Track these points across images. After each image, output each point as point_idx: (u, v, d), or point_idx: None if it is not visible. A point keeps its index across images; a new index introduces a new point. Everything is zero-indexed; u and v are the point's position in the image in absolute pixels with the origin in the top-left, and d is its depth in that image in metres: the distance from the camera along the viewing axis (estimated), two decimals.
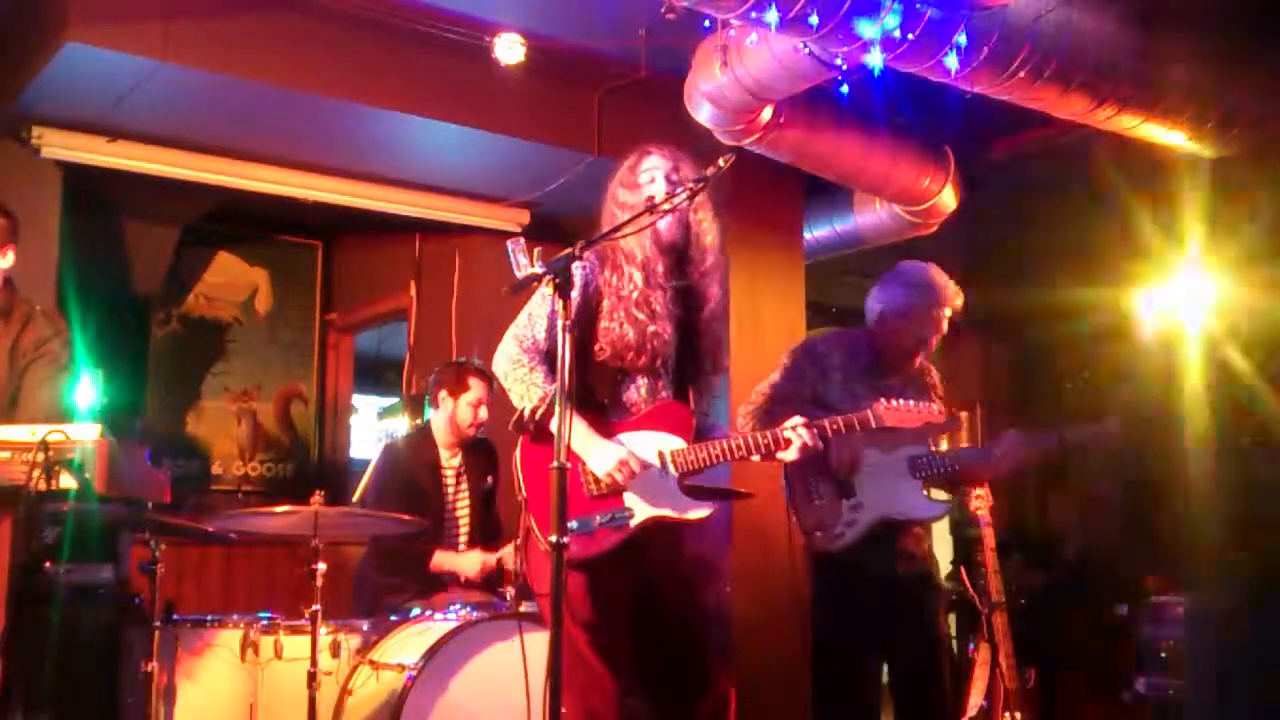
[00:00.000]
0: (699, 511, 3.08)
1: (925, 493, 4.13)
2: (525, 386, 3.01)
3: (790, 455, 3.15)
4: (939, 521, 4.61)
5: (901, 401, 3.31)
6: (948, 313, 4.20)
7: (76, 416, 3.71)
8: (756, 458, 3.17)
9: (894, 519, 4.04)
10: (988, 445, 4.31)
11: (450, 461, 4.81)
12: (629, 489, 3.02)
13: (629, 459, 3.00)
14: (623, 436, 3.07)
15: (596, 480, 3.02)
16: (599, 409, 3.08)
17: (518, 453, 3.07)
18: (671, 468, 3.07)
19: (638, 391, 3.13)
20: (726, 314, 3.35)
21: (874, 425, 3.28)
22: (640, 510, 3.01)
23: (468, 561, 4.63)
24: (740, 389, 5.55)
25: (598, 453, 3.01)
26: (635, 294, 3.10)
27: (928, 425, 3.43)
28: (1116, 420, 4.26)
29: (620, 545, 2.99)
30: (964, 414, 5.53)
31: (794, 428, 3.13)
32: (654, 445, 3.08)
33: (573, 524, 2.91)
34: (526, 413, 3.01)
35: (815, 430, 3.14)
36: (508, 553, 4.59)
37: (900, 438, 4.00)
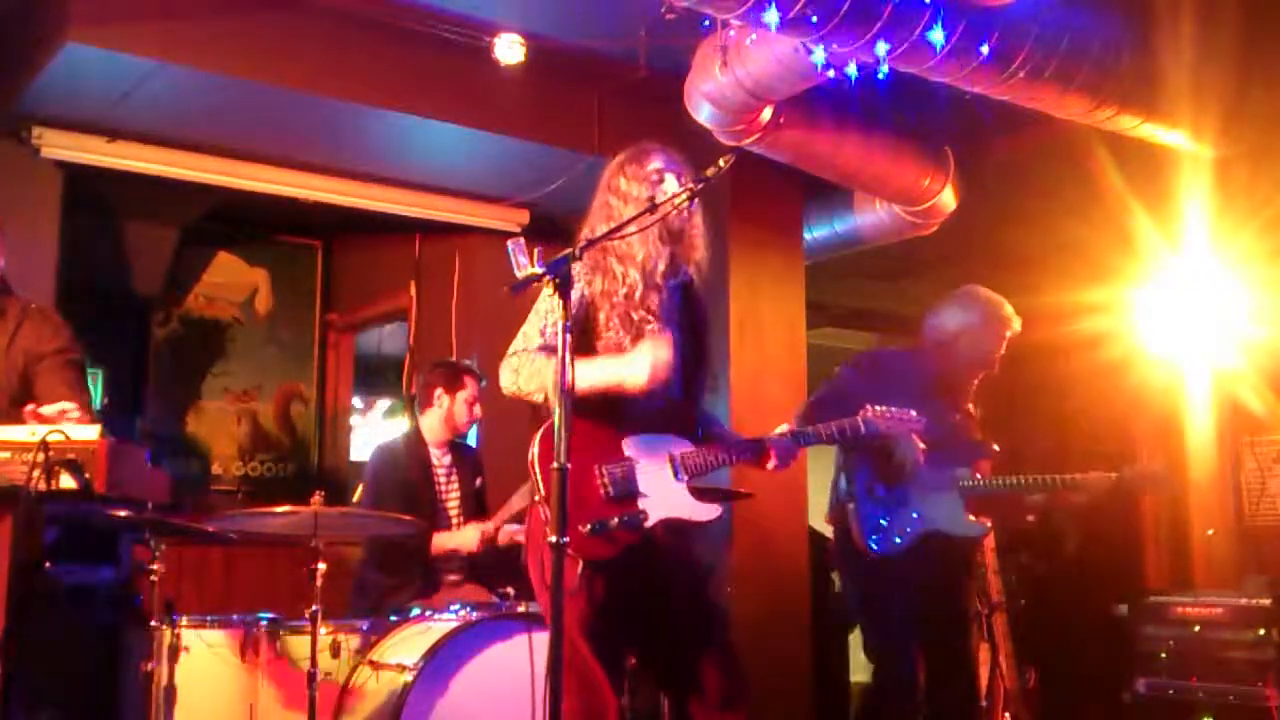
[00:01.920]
0: (710, 513, 3.12)
1: (969, 515, 4.14)
2: (534, 370, 3.01)
3: (772, 464, 3.18)
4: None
5: (884, 408, 3.34)
6: (1009, 334, 4.21)
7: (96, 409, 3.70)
8: (751, 462, 3.20)
9: (944, 534, 4.06)
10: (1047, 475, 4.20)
11: (441, 460, 4.85)
12: (643, 493, 3.04)
13: (663, 347, 3.00)
14: (632, 441, 3.09)
15: (612, 483, 3.02)
16: (605, 416, 3.07)
17: (535, 451, 3.04)
18: (683, 472, 3.10)
19: (645, 397, 3.11)
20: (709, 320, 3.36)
21: (864, 431, 3.30)
22: (654, 512, 3.04)
23: (466, 536, 4.65)
24: (740, 389, 5.57)
25: (630, 363, 3.01)
26: (636, 295, 3.10)
27: (910, 431, 3.46)
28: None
29: (634, 545, 3.00)
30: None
31: (779, 435, 3.17)
32: (664, 449, 3.10)
33: (590, 526, 2.94)
34: (550, 389, 2.95)
35: (795, 437, 3.18)
36: (503, 522, 4.65)
37: (950, 458, 4.07)
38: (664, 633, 3.11)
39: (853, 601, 4.35)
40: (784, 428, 3.23)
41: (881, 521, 4.04)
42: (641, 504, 3.04)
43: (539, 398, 3.04)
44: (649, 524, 3.02)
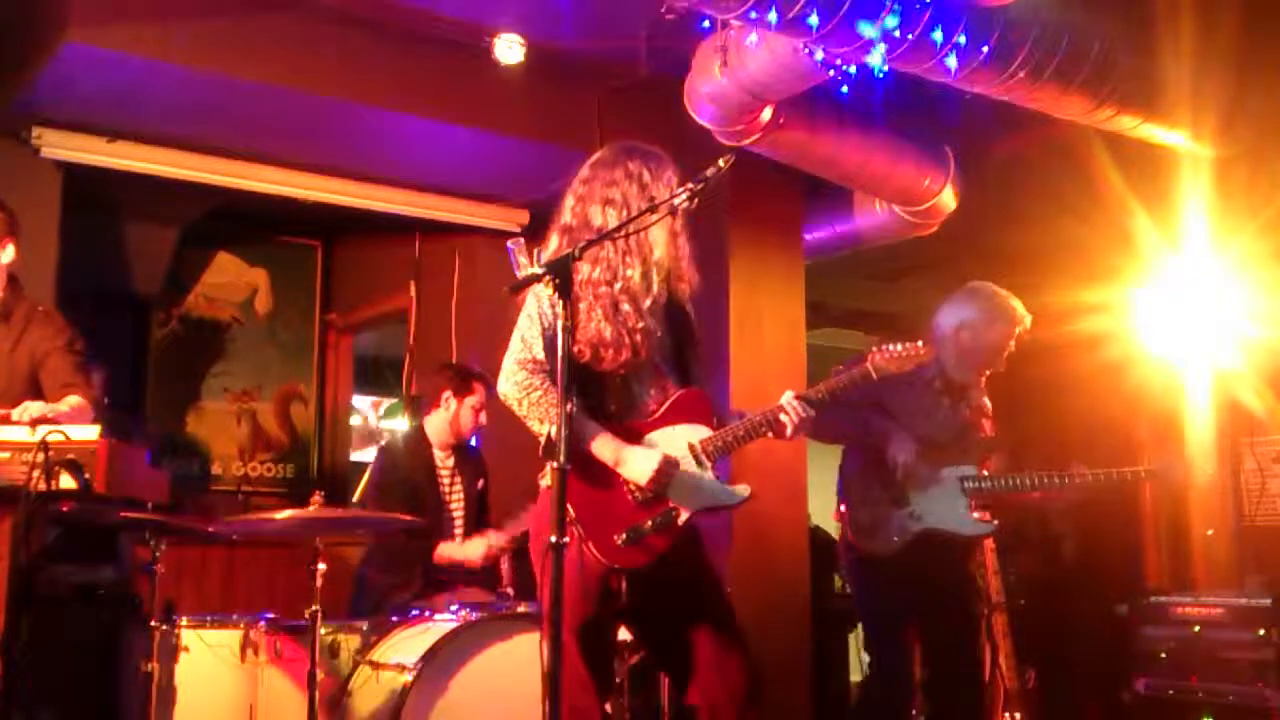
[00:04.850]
0: (741, 493, 3.11)
1: (974, 513, 4.12)
2: (543, 409, 2.93)
3: (790, 431, 3.14)
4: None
5: (893, 347, 3.31)
6: (1018, 331, 4.20)
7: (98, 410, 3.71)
8: (771, 434, 3.16)
9: (945, 533, 4.05)
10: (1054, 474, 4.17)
11: (445, 462, 4.84)
12: (672, 489, 3.01)
13: (665, 462, 2.97)
14: (651, 438, 3.05)
15: (641, 487, 2.98)
16: (612, 418, 3.04)
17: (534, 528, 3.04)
18: (705, 458, 3.08)
19: (646, 392, 3.10)
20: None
21: (875, 377, 3.27)
22: (686, 505, 3.00)
23: (472, 549, 4.64)
24: (740, 389, 5.56)
25: (633, 461, 2.97)
26: (631, 285, 3.04)
27: (919, 367, 3.43)
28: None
29: (668, 549, 2.97)
30: None
31: (784, 405, 3.13)
32: (683, 439, 3.07)
33: (625, 535, 2.92)
34: (553, 435, 2.87)
35: (803, 402, 3.13)
36: (510, 538, 4.65)
37: (954, 456, 4.07)
38: (676, 632, 3.06)
39: (855, 599, 4.37)
40: (789, 394, 3.16)
41: (877, 522, 4.04)
42: (672, 501, 3.00)
43: (534, 427, 2.97)
44: (683, 519, 2.99)
